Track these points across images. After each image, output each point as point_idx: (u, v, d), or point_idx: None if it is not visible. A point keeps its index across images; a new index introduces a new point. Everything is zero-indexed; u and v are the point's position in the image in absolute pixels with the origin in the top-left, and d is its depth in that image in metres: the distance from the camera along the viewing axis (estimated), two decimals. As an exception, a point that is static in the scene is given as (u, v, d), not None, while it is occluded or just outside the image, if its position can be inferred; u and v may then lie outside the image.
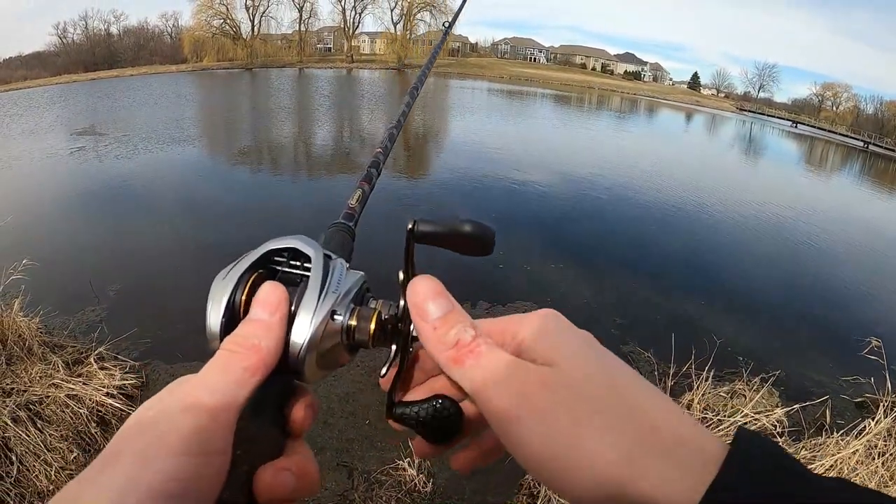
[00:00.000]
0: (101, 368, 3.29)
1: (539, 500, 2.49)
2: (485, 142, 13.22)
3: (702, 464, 0.26)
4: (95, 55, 42.44)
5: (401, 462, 2.81)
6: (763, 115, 64.79)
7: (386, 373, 0.37)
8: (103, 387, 3.15)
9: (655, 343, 3.90)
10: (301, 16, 46.36)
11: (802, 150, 33.09)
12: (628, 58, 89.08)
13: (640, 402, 0.29)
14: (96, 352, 3.42)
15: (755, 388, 3.25)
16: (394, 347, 0.37)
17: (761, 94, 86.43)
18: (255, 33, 45.03)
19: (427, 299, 0.34)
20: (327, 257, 0.37)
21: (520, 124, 18.31)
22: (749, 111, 66.23)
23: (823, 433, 3.05)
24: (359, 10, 47.27)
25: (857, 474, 2.55)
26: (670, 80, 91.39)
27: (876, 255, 8.80)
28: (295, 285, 0.36)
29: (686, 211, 8.73)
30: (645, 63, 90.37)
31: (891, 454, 2.71)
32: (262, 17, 45.30)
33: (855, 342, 3.90)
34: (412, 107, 0.81)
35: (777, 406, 3.17)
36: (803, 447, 2.84)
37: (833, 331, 5.00)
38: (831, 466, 2.59)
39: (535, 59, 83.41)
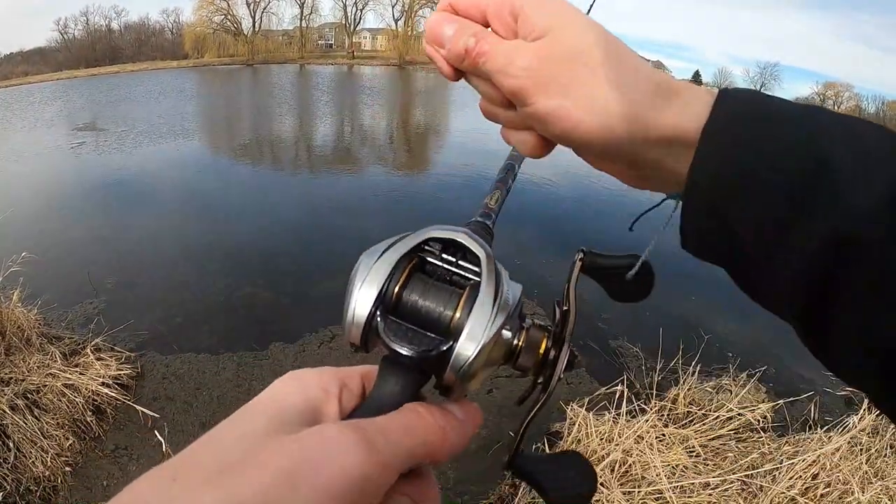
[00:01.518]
0: (98, 359, 3.34)
1: (520, 490, 2.54)
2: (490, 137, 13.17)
3: (700, 101, 0.34)
4: (96, 51, 42.42)
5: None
6: None
7: (523, 403, 0.33)
8: (99, 377, 3.21)
9: (643, 338, 3.94)
10: (302, 12, 46.35)
11: None
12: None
13: (638, 63, 0.35)
14: (92, 343, 3.48)
15: (741, 383, 3.29)
16: (540, 380, 0.33)
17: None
18: (256, 29, 45.04)
19: (441, 24, 0.36)
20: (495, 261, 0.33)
21: None
22: None
23: (808, 429, 3.09)
24: (360, 7, 47.23)
25: (840, 470, 2.58)
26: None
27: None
28: (445, 281, 0.33)
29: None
30: (647, 61, 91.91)
31: (876, 450, 2.74)
32: (262, 13, 45.25)
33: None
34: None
35: (763, 401, 3.21)
36: (786, 442, 2.88)
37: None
38: (813, 462, 2.62)
39: None
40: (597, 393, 3.13)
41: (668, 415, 3.01)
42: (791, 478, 2.48)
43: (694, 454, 2.71)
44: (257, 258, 5.35)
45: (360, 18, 48.37)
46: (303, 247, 5.79)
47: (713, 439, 2.85)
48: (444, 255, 0.33)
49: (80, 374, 3.19)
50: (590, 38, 0.33)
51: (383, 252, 0.32)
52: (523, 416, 0.32)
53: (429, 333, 0.30)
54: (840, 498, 2.41)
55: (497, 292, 0.30)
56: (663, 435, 2.76)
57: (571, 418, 2.86)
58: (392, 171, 9.85)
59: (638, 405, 2.93)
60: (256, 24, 45.16)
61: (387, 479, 0.25)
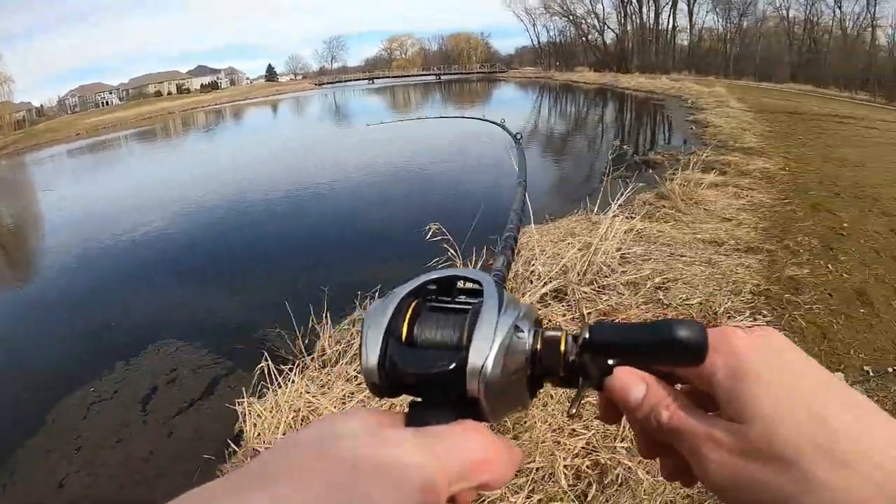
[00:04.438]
0: None
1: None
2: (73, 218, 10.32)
3: None
4: None
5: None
6: (342, 82, 71.53)
7: (576, 410, 0.33)
8: None
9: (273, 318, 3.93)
10: None
11: (387, 99, 37.99)
12: (201, 71, 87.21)
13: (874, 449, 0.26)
14: None
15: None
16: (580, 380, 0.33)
17: (335, 65, 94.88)
18: None
19: (629, 387, 0.32)
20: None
21: (113, 181, 15.02)
22: (328, 83, 71.75)
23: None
24: None
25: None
26: (247, 79, 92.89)
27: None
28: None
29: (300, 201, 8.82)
30: (219, 71, 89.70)
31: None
32: None
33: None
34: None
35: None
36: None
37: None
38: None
39: (106, 102, 74.31)
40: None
41: (321, 362, 3.44)
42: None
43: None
44: None
45: None
46: None
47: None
48: (441, 297, 0.34)
49: None
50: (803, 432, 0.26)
51: (383, 299, 0.32)
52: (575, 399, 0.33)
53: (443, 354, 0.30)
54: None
55: (501, 301, 0.30)
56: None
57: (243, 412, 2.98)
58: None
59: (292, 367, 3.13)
60: None
61: (443, 486, 0.25)
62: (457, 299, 0.33)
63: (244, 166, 13.34)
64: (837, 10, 42.13)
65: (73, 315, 5.27)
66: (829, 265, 4.01)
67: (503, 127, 2.05)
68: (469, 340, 0.29)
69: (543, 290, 3.53)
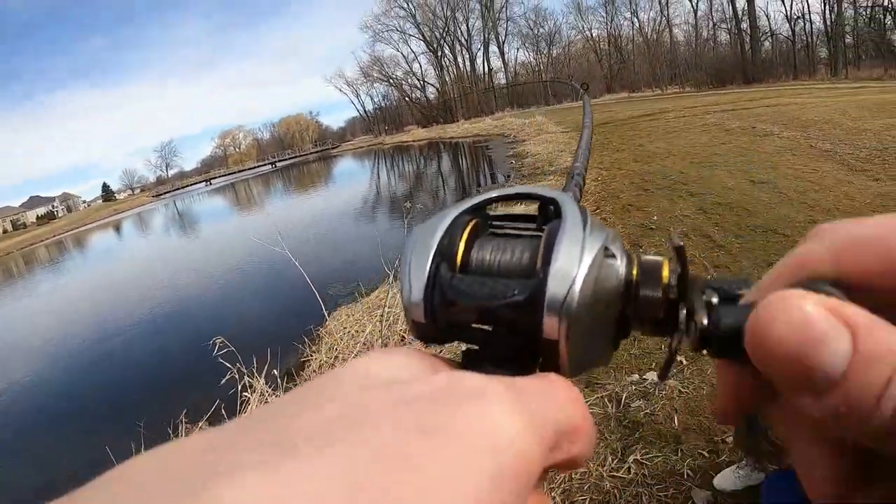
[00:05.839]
0: None
1: None
2: None
3: None
4: None
5: None
6: (180, 189, 68.67)
7: (667, 374, 0.24)
8: None
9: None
10: None
11: (226, 200, 36.38)
12: (35, 202, 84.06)
13: None
14: None
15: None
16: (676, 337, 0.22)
17: (172, 172, 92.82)
18: None
19: (815, 332, 0.16)
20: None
21: None
22: (167, 193, 68.14)
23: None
24: None
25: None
26: (84, 202, 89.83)
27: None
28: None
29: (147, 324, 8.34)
30: (53, 199, 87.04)
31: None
32: None
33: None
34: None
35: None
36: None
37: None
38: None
39: None
40: None
41: None
42: None
43: None
44: None
45: None
46: None
47: None
48: (512, 213, 0.26)
49: None
50: None
51: (432, 217, 0.25)
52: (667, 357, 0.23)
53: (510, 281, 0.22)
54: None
55: (585, 218, 0.22)
56: None
57: None
58: None
59: None
60: None
61: (540, 458, 0.16)
62: (530, 225, 0.26)
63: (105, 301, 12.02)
64: (635, 20, 48.36)
65: None
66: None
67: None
68: (547, 264, 0.21)
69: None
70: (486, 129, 27.95)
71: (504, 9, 54.33)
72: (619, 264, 0.22)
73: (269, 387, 3.29)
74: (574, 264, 0.20)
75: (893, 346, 0.15)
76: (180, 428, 3.38)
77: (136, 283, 12.44)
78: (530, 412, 0.16)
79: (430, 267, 0.23)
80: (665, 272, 0.23)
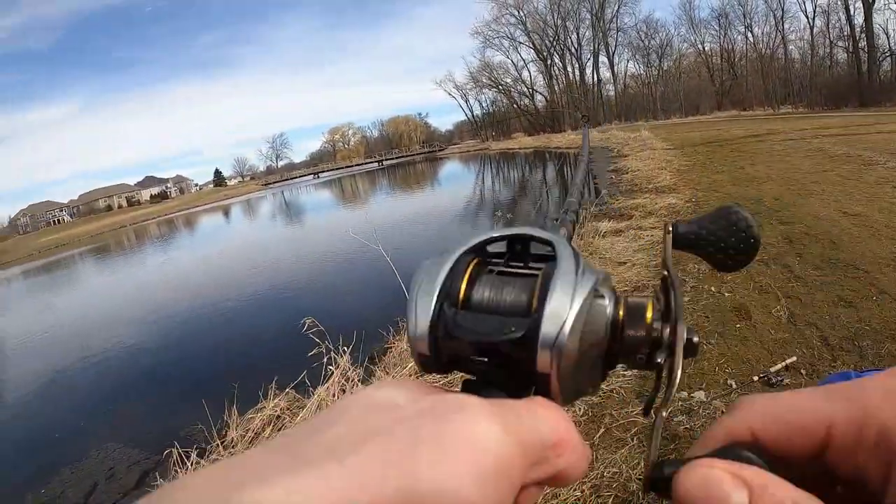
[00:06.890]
0: None
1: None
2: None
3: None
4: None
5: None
6: (288, 180, 71.46)
7: (651, 411, 0.27)
8: None
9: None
10: None
11: (331, 193, 38.41)
12: (150, 182, 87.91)
13: None
14: None
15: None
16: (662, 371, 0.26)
17: (282, 163, 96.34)
18: None
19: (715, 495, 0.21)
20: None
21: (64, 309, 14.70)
22: (276, 182, 71.93)
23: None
24: None
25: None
26: (196, 185, 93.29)
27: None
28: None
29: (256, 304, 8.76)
30: (167, 180, 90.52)
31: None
32: None
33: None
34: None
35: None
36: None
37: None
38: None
39: (58, 220, 74.52)
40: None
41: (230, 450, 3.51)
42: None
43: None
44: None
45: None
46: None
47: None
48: (512, 263, 0.29)
49: None
50: None
51: (437, 257, 0.28)
52: (653, 420, 0.26)
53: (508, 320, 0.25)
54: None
55: (578, 260, 0.26)
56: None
57: None
58: None
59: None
60: None
61: (522, 466, 0.20)
62: (519, 266, 0.29)
63: (201, 280, 13.03)
64: (749, 35, 45.43)
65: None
66: (713, 287, 4.07)
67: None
68: (542, 304, 0.24)
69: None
70: (591, 141, 27.80)
71: (615, 19, 53.16)
72: (608, 304, 0.25)
73: (352, 366, 3.53)
74: (566, 305, 0.23)
75: (783, 500, 0.20)
76: (269, 393, 3.65)
77: (241, 264, 13.20)
78: (507, 420, 0.20)
79: (435, 305, 0.25)
80: (649, 313, 0.26)
